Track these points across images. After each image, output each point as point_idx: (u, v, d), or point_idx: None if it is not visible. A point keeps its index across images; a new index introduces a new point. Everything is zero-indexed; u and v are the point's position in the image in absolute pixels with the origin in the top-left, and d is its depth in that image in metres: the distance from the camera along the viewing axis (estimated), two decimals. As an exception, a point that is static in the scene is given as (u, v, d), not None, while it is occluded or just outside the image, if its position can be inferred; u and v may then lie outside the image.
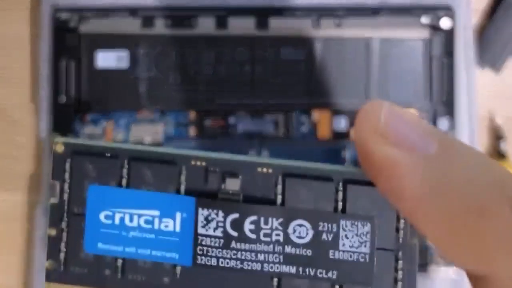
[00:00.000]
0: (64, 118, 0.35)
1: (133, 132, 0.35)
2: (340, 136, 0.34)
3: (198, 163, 0.15)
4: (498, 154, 0.36)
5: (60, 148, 0.15)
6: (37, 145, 0.36)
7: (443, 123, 0.34)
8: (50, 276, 0.15)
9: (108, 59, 0.35)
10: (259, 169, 0.14)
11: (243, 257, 0.14)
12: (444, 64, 0.35)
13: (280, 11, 0.35)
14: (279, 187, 0.14)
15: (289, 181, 0.14)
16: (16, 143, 0.36)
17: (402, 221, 0.14)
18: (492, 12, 0.37)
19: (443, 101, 0.35)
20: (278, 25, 0.35)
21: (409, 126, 0.13)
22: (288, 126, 0.35)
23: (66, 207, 0.15)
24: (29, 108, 0.36)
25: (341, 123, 0.35)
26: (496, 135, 0.36)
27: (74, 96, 0.35)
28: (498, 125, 0.36)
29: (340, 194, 0.14)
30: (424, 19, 0.35)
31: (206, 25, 0.35)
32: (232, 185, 0.14)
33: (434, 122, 0.34)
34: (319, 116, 0.35)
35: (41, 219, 0.34)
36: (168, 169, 0.14)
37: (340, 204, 0.14)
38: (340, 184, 0.14)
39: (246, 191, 0.14)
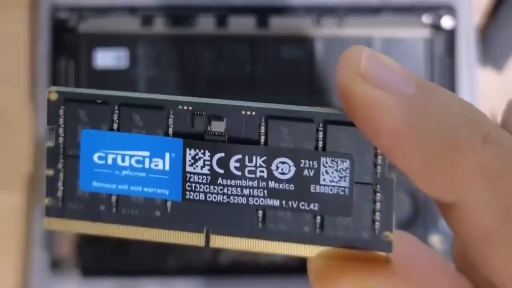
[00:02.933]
0: (62, 118, 0.35)
1: (132, 132, 0.34)
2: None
3: (185, 107, 0.15)
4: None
5: (53, 96, 0.15)
6: (35, 145, 0.36)
7: (445, 122, 0.34)
8: (49, 212, 0.16)
9: (107, 59, 0.35)
10: (243, 112, 0.15)
11: (229, 192, 0.15)
12: (446, 64, 0.35)
13: (280, 10, 0.35)
14: (262, 128, 0.15)
15: (272, 123, 0.15)
16: (14, 143, 0.36)
17: (380, 157, 0.15)
18: (494, 11, 0.36)
19: (445, 100, 0.34)
20: (278, 24, 0.35)
21: (389, 70, 0.14)
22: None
23: (61, 150, 0.16)
24: (27, 108, 0.36)
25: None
26: (498, 135, 0.36)
27: (73, 96, 0.35)
28: (500, 125, 0.36)
29: (321, 134, 0.15)
30: (426, 19, 0.35)
31: (206, 24, 0.35)
32: (218, 127, 0.15)
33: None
34: (320, 115, 0.34)
35: (39, 220, 0.34)
36: (156, 114, 0.15)
37: (320, 143, 0.15)
38: (321, 124, 0.15)
39: (231, 132, 0.15)
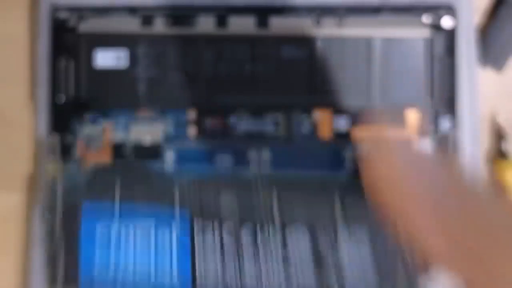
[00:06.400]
0: (62, 118, 0.35)
1: (132, 132, 0.34)
2: (341, 136, 0.34)
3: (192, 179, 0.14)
4: (500, 153, 0.36)
5: None
6: (35, 145, 0.36)
7: (444, 122, 0.34)
8: None
9: (107, 59, 0.35)
10: (253, 183, 0.14)
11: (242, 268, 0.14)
12: (446, 64, 0.35)
13: (280, 10, 0.35)
14: (275, 199, 0.14)
15: (284, 195, 0.14)
16: (14, 143, 0.36)
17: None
18: (494, 11, 0.36)
19: (445, 100, 0.34)
20: (278, 24, 0.35)
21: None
22: (288, 126, 0.34)
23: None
24: (27, 108, 0.36)
25: (342, 123, 0.34)
26: (498, 135, 0.36)
27: (73, 96, 0.35)
28: (500, 124, 0.36)
29: (338, 205, 0.14)
30: (426, 18, 0.35)
31: (206, 24, 0.35)
32: (228, 198, 0.14)
33: (435, 121, 0.34)
34: (320, 115, 0.34)
35: (39, 220, 0.34)
36: (163, 184, 0.14)
37: (338, 214, 0.15)
38: (337, 196, 0.14)
39: (242, 202, 0.14)
